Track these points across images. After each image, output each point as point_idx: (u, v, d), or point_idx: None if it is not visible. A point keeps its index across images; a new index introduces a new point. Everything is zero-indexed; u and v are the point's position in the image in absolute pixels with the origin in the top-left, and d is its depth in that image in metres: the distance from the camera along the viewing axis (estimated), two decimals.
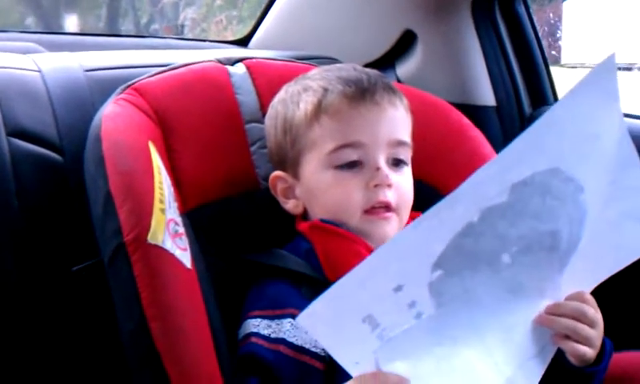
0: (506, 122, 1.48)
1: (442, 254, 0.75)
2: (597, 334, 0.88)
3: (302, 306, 0.89)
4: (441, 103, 1.21)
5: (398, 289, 0.74)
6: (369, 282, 0.73)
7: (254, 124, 1.09)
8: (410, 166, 1.02)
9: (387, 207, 0.97)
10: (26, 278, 1.03)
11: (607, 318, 0.90)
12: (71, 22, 3.41)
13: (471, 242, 0.76)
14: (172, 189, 0.97)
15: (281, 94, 1.05)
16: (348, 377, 0.76)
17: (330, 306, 0.72)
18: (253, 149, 1.09)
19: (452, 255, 0.75)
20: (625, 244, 0.89)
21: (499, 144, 1.39)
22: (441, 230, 0.74)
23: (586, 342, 0.87)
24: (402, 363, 0.77)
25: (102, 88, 1.10)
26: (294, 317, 0.90)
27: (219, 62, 1.13)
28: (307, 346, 0.89)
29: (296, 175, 1.02)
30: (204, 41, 1.77)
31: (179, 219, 0.94)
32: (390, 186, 0.97)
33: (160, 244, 0.89)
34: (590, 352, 0.88)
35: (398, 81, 1.50)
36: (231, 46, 1.68)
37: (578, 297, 0.88)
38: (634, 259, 0.90)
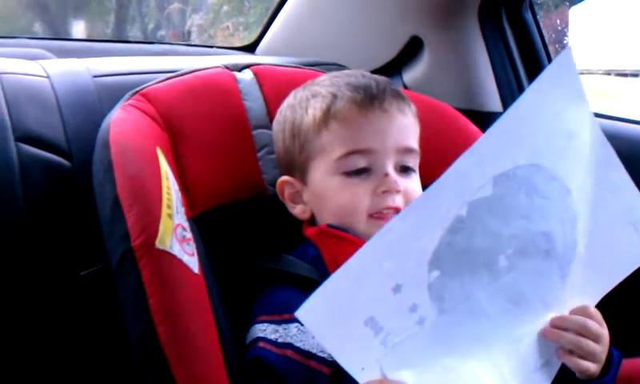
0: None
1: (435, 252, 0.76)
2: (601, 348, 0.88)
3: None
4: (447, 109, 1.21)
5: (397, 289, 0.75)
6: (365, 279, 0.74)
7: (261, 130, 1.10)
8: (417, 172, 1.02)
9: (396, 212, 0.97)
10: (34, 283, 1.04)
11: (613, 324, 0.90)
12: (79, 29, 3.43)
13: (463, 240, 0.78)
14: (179, 194, 0.97)
15: (289, 100, 1.05)
16: (355, 382, 0.76)
17: (329, 303, 0.73)
18: (260, 154, 1.09)
19: (446, 254, 0.77)
20: (622, 250, 0.90)
21: None
22: (429, 222, 0.76)
23: (589, 357, 0.87)
24: (408, 372, 0.77)
25: (110, 94, 1.10)
26: (301, 322, 0.90)
27: (226, 68, 1.13)
28: (314, 351, 0.89)
29: (304, 180, 1.02)
30: (211, 47, 1.77)
31: (186, 224, 0.94)
32: (398, 191, 0.97)
33: (168, 249, 0.89)
34: (593, 367, 0.87)
35: (405, 87, 1.50)
36: (238, 52, 1.69)
37: (582, 311, 0.88)
38: (635, 267, 0.90)
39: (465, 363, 0.80)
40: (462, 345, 0.80)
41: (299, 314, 0.73)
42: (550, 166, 0.82)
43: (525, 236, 0.82)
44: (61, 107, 1.10)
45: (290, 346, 0.90)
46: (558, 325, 0.86)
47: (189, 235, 0.94)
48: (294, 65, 1.24)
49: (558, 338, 0.86)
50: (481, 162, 0.78)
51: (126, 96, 1.04)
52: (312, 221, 1.03)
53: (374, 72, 1.09)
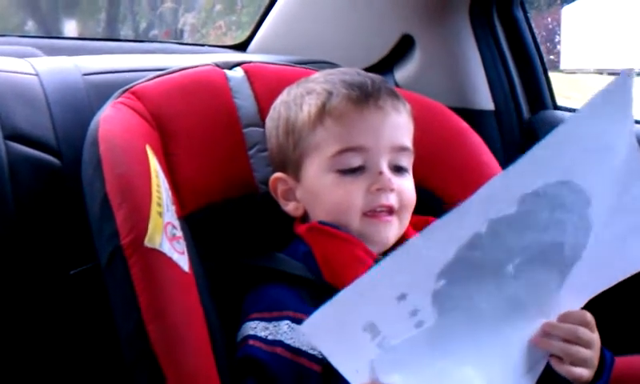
0: (504, 126, 1.48)
1: (447, 265, 0.74)
2: (592, 354, 0.87)
3: (299, 309, 0.90)
4: (439, 107, 1.21)
5: (402, 298, 0.73)
6: (373, 291, 0.72)
7: (252, 128, 1.09)
8: (410, 171, 1.02)
9: (390, 211, 0.97)
10: (23, 282, 1.03)
11: (605, 322, 0.90)
12: (70, 27, 3.42)
13: (479, 255, 0.75)
14: (169, 192, 0.96)
15: (283, 97, 1.05)
16: (345, 380, 0.76)
17: (333, 315, 0.72)
18: (251, 152, 1.08)
19: (458, 267, 0.74)
20: (627, 257, 0.88)
21: (497, 148, 1.40)
22: (448, 242, 0.73)
23: (581, 363, 0.86)
24: (400, 376, 0.76)
25: (99, 92, 1.10)
26: (291, 319, 0.90)
27: (217, 66, 1.13)
28: (304, 349, 0.89)
29: (297, 177, 1.02)
30: (202, 45, 1.77)
31: (177, 223, 0.94)
32: (392, 190, 0.97)
33: (157, 247, 0.88)
34: (586, 373, 0.86)
35: (397, 85, 1.50)
36: (229, 50, 1.68)
37: (572, 318, 0.86)
38: (634, 272, 0.89)
39: (458, 367, 0.79)
40: (455, 348, 0.79)
41: (305, 328, 0.72)
42: (580, 182, 0.78)
43: (536, 247, 0.79)
44: (50, 105, 1.09)
45: (280, 343, 0.90)
46: (548, 331, 0.85)
47: (179, 233, 0.93)
48: (285, 63, 1.23)
49: (548, 347, 0.85)
50: (509, 185, 0.74)
51: (116, 94, 1.04)
52: (304, 218, 1.03)
53: (365, 70, 1.09)
